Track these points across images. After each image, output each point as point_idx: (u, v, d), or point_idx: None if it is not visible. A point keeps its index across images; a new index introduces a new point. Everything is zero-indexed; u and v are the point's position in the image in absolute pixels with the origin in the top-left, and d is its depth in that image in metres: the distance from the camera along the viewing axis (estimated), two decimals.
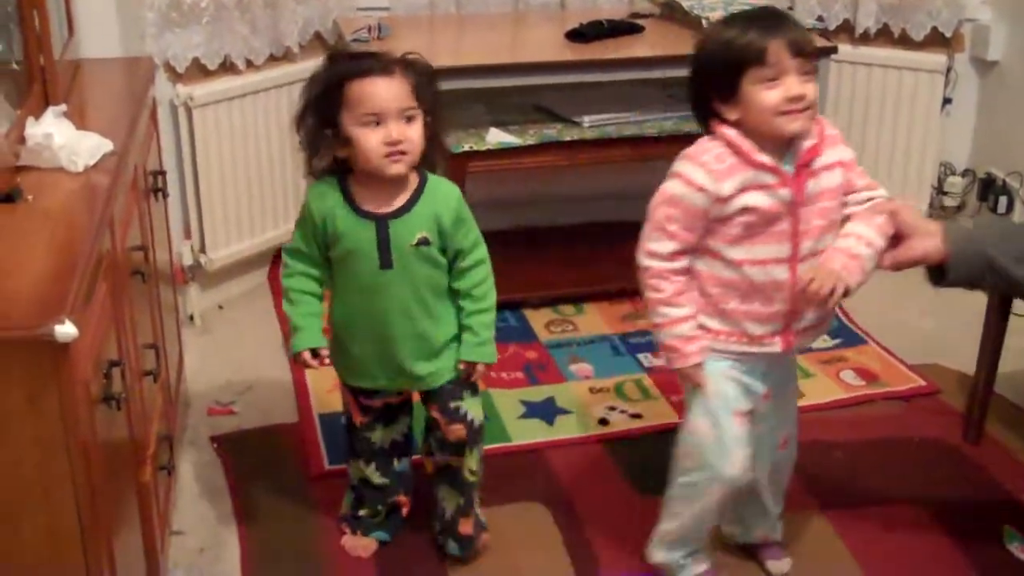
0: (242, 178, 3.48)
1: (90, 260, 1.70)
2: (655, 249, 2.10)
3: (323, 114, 2.15)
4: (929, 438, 2.88)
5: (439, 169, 2.27)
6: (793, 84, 2.00)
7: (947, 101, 3.79)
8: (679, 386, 2.53)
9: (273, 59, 3.49)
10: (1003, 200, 3.63)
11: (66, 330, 1.51)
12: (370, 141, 2.11)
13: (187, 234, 3.41)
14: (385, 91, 2.10)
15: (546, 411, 2.99)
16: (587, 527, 2.54)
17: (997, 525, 2.55)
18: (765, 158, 2.04)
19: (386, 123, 2.11)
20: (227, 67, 3.37)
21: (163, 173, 2.64)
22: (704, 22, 3.44)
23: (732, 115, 2.05)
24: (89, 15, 2.79)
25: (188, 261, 3.40)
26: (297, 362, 2.29)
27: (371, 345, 2.27)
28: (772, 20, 2.04)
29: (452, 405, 2.33)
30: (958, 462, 2.79)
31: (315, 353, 2.26)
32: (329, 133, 2.15)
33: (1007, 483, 2.70)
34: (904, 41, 3.79)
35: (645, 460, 2.77)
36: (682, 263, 2.11)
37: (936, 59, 3.75)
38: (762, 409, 2.24)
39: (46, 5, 2.22)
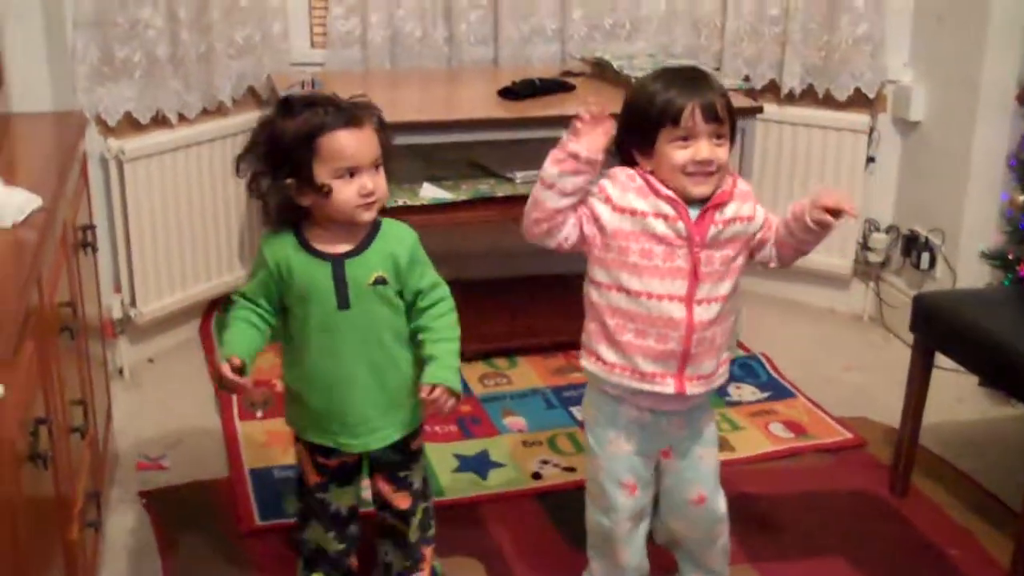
0: (173, 231, 3.46)
1: (17, 317, 1.68)
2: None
3: (289, 165, 2.12)
4: (857, 491, 2.92)
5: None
6: (703, 148, 2.07)
7: (871, 160, 3.88)
8: None
9: (206, 113, 3.49)
10: (925, 256, 3.72)
11: None
12: (346, 193, 2.12)
13: (117, 287, 3.38)
14: (358, 144, 2.12)
15: (480, 465, 2.99)
16: None
17: None
18: (669, 192, 2.10)
19: (360, 175, 2.13)
20: (159, 121, 3.37)
21: (92, 227, 2.63)
22: (633, 81, 3.50)
23: (647, 166, 2.13)
24: (19, 69, 2.78)
25: (117, 314, 3.36)
26: (222, 383, 2.15)
27: (329, 392, 2.23)
28: (693, 82, 2.10)
29: (401, 475, 2.35)
30: (885, 514, 2.83)
31: (233, 367, 2.13)
32: (291, 183, 2.13)
33: (933, 535, 2.74)
34: (828, 101, 3.88)
35: (578, 513, 2.75)
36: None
37: (859, 119, 3.85)
38: (667, 464, 2.29)
39: None
